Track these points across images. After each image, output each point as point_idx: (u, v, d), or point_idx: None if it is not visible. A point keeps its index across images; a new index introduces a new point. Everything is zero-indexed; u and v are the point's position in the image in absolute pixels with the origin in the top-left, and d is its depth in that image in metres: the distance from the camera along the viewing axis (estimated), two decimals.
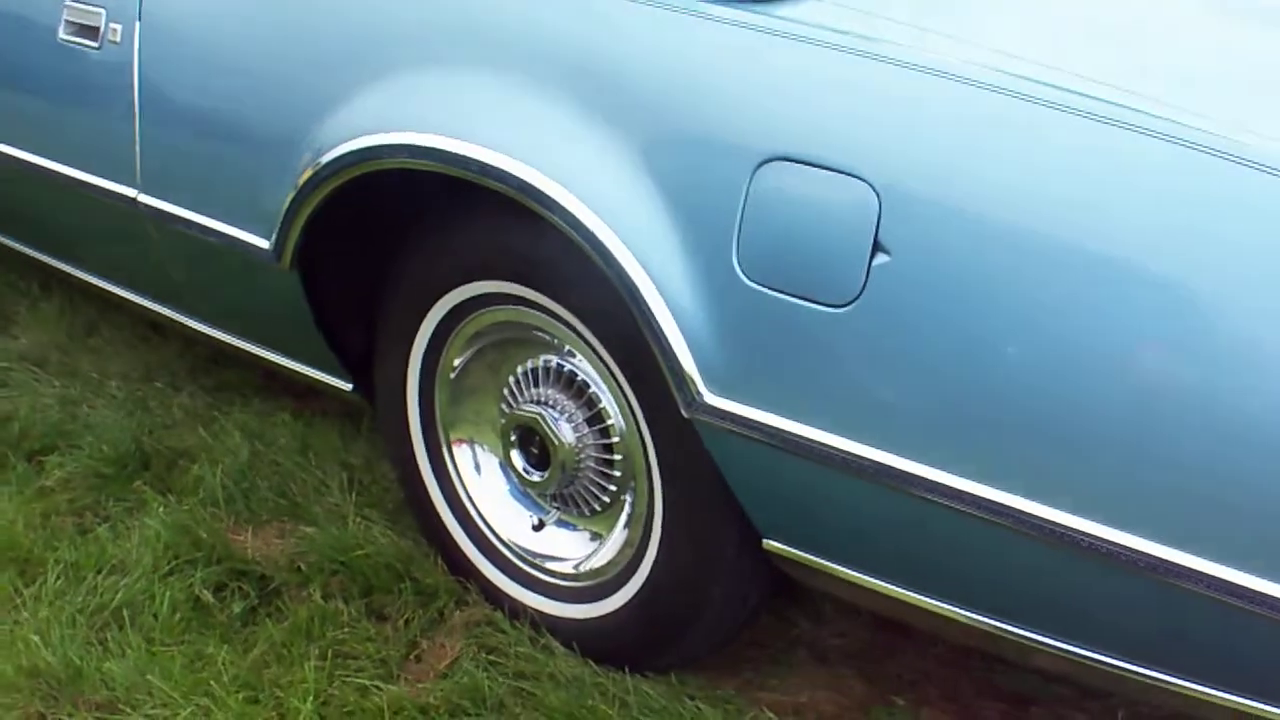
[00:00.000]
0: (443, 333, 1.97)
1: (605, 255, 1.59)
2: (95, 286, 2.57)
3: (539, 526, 2.00)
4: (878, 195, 1.42)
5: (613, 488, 1.87)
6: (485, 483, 2.05)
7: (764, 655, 1.99)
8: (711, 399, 1.57)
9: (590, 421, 1.86)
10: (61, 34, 2.25)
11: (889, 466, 1.46)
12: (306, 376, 2.22)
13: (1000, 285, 1.38)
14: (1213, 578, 1.32)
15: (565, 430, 1.87)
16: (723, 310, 1.54)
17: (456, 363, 2.00)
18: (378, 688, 1.87)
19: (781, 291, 1.49)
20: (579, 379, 1.86)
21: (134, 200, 2.18)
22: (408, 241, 1.95)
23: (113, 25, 2.17)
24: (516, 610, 1.99)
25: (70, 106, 2.30)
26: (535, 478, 1.94)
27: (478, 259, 1.86)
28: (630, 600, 1.87)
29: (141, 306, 2.47)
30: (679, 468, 1.73)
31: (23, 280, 3.06)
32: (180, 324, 2.39)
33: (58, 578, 2.07)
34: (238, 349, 2.31)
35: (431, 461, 2.06)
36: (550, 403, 1.88)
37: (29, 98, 2.38)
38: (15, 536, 2.17)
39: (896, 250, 1.42)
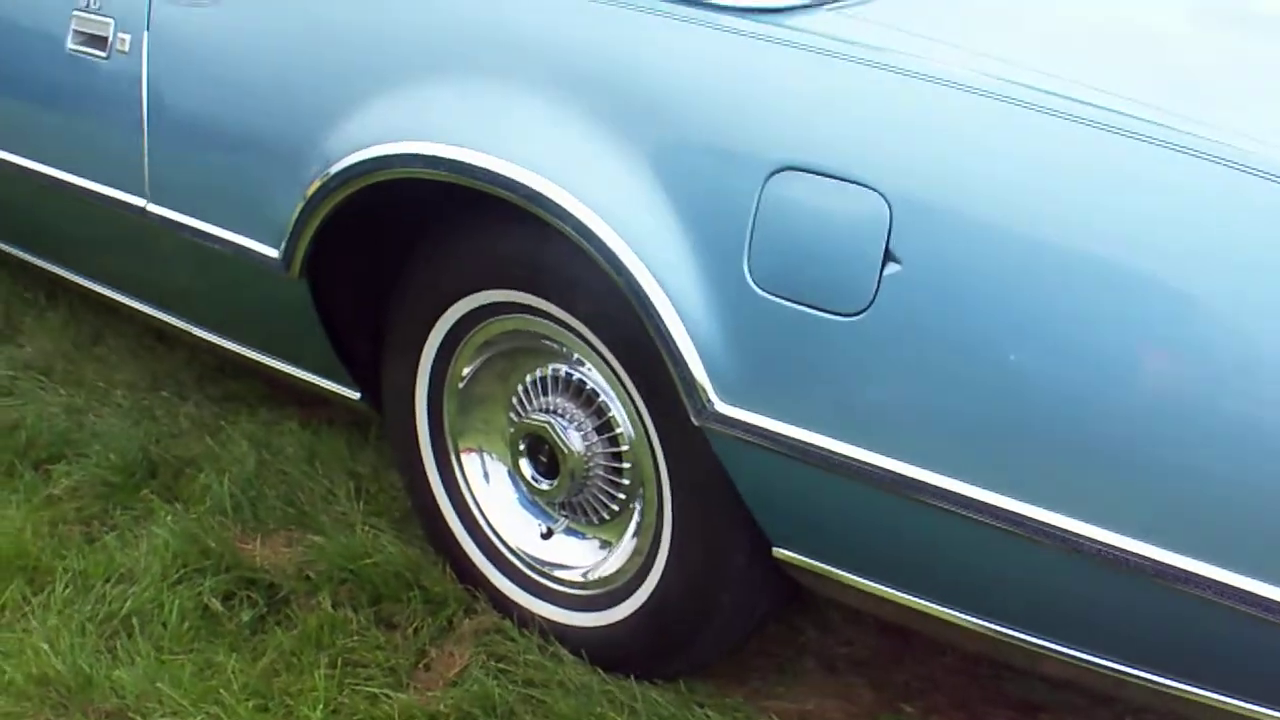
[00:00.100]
0: (451, 341, 1.97)
1: (616, 264, 1.60)
2: (103, 295, 2.57)
3: (548, 535, 2.01)
4: (889, 205, 1.43)
5: (622, 496, 1.88)
6: (494, 491, 2.05)
7: (772, 663, 1.99)
8: (722, 407, 1.57)
9: (599, 430, 1.86)
10: (70, 44, 2.25)
11: (899, 474, 1.47)
12: (314, 385, 2.23)
13: (1011, 294, 1.39)
14: (1222, 584, 1.32)
15: (574, 438, 1.87)
16: (733, 318, 1.54)
17: (465, 371, 2.00)
18: (387, 696, 1.87)
19: (792, 300, 1.50)
20: (588, 387, 1.86)
21: (143, 210, 2.18)
22: (417, 251, 1.95)
23: (121, 35, 2.17)
24: (525, 618, 1.99)
25: (79, 116, 2.31)
26: (544, 486, 1.94)
27: (486, 268, 1.86)
28: (639, 608, 1.87)
29: (148, 315, 2.47)
30: (688, 476, 1.74)
31: (29, 290, 3.07)
32: (188, 333, 2.39)
33: (66, 586, 2.07)
34: (245, 358, 2.32)
35: (440, 470, 2.06)
36: (559, 411, 1.88)
37: (38, 107, 2.39)
38: (23, 545, 2.17)
39: (908, 259, 1.42)
